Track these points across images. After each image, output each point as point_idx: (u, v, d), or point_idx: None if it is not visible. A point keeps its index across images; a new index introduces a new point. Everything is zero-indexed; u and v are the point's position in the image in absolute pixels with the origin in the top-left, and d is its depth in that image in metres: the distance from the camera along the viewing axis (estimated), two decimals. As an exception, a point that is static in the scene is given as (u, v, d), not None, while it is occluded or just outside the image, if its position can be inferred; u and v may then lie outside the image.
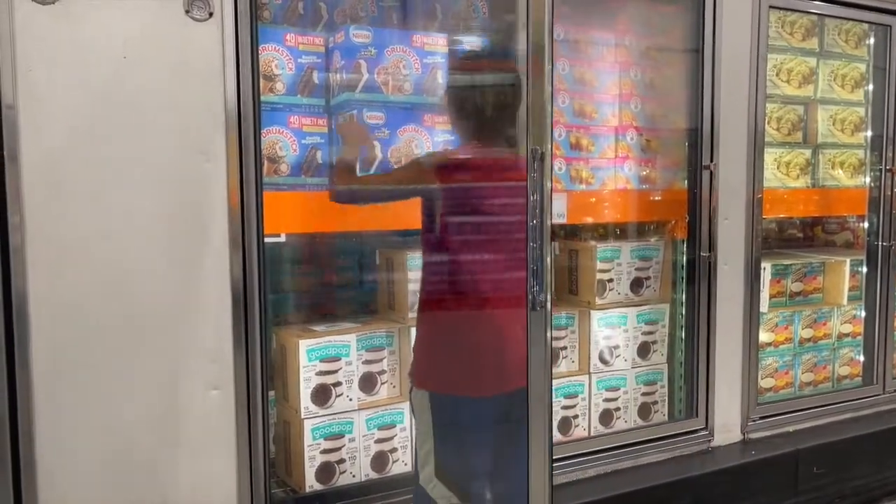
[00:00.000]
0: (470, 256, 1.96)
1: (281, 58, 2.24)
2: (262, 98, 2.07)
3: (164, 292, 1.78)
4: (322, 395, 2.28)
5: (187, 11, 1.74)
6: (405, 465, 2.42)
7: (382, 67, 2.32)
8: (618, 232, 3.04)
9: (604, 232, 3.05)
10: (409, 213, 2.30)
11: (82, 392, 1.72)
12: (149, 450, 1.80)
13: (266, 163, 2.18)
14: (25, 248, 1.64)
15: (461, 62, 2.31)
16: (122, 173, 1.72)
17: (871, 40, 3.40)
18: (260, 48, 2.06)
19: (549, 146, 1.86)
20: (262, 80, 2.14)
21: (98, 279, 1.72)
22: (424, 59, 2.37)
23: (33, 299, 1.65)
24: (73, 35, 1.65)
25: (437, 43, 2.39)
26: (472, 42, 2.56)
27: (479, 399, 1.97)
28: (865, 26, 3.35)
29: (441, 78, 2.39)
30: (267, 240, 1.96)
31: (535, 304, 1.83)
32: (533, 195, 1.83)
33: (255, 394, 1.92)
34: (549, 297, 1.85)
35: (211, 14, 1.76)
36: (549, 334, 1.86)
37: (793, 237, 3.92)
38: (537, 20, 1.83)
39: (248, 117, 1.83)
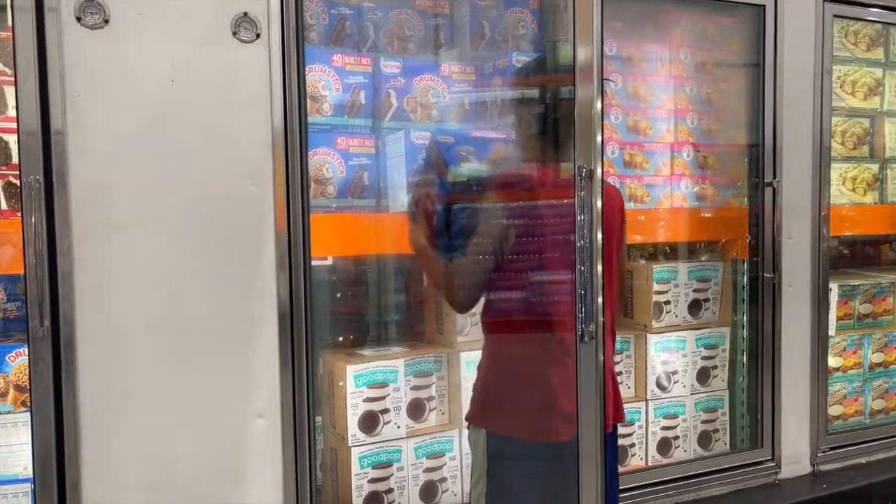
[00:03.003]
0: (541, 288, 1.86)
1: (328, 79, 2.22)
2: (310, 119, 2.05)
3: (210, 317, 1.75)
4: (370, 422, 2.22)
5: (234, 33, 1.72)
6: (454, 495, 2.34)
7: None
8: (668, 251, 2.94)
9: (654, 251, 2.95)
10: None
11: (128, 420, 1.70)
12: (194, 478, 1.77)
13: (313, 185, 2.15)
14: (74, 274, 1.62)
15: (522, 78, 2.20)
16: (169, 197, 1.70)
17: (942, 49, 3.23)
18: (307, 69, 2.03)
19: (599, 163, 1.78)
20: (308, 101, 2.12)
21: (144, 305, 1.69)
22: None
23: (80, 325, 1.63)
24: (121, 59, 1.64)
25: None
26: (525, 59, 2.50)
27: (543, 445, 1.85)
28: (935, 34, 3.19)
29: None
30: (314, 262, 1.92)
31: (584, 335, 1.73)
32: (581, 215, 1.74)
33: (301, 421, 1.87)
34: (599, 326, 1.75)
35: (258, 35, 1.74)
36: (600, 365, 1.76)
37: (857, 256, 3.73)
38: (585, 36, 1.78)
39: (295, 139, 1.80)
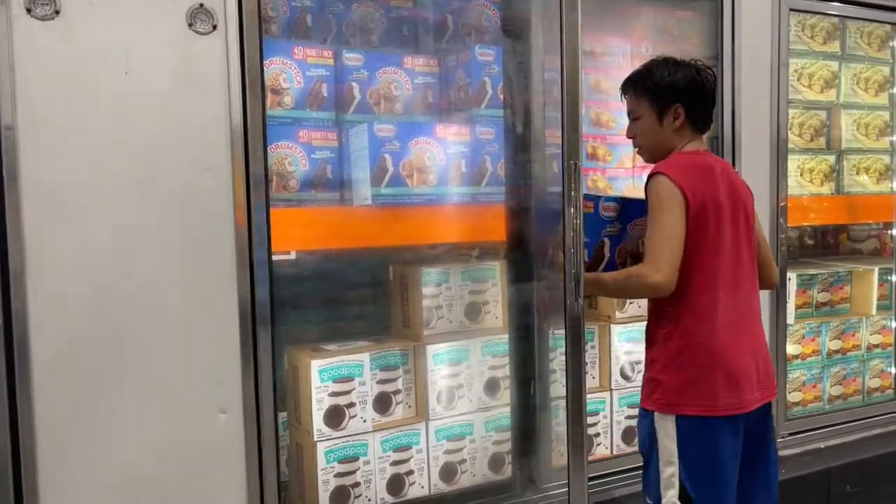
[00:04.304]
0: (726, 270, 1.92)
1: (289, 71, 2.19)
2: (271, 112, 2.03)
3: (168, 314, 1.73)
4: (335, 416, 2.21)
5: (190, 25, 1.69)
6: (422, 487, 2.35)
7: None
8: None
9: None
10: (426, 227, 2.25)
11: (86, 420, 1.67)
12: (154, 478, 1.75)
13: (275, 178, 2.13)
14: (26, 272, 1.59)
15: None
16: (124, 192, 1.67)
17: (895, 42, 3.31)
18: (267, 61, 2.01)
19: (582, 159, 1.90)
20: (269, 93, 2.10)
21: (100, 302, 1.67)
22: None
23: (34, 325, 1.60)
24: (74, 51, 1.61)
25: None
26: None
27: (737, 417, 1.90)
28: (888, 28, 3.26)
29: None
30: (277, 257, 1.91)
31: (575, 306, 1.83)
32: (570, 207, 1.83)
33: (266, 417, 1.86)
34: (584, 304, 1.91)
35: (215, 27, 1.72)
36: (584, 333, 1.90)
37: (816, 245, 3.81)
38: (572, 45, 1.85)
39: (255, 132, 1.78)
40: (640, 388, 2.70)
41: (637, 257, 2.05)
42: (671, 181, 1.85)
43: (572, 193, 1.81)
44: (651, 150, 2.04)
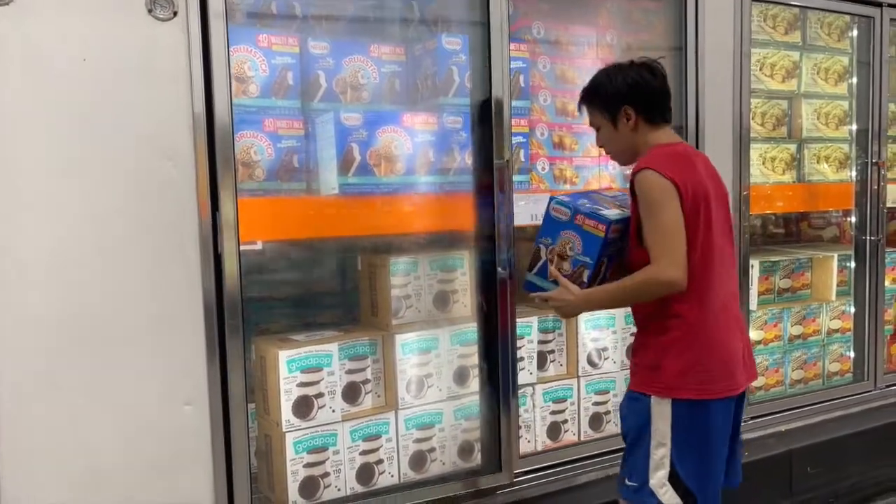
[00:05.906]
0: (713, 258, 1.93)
1: (254, 59, 2.17)
2: (235, 101, 2.00)
3: (131, 305, 1.71)
4: (304, 406, 2.21)
5: (150, 11, 1.66)
6: (391, 476, 2.36)
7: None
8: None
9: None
10: (394, 217, 2.25)
11: (48, 412, 1.65)
12: (119, 470, 1.73)
13: (240, 168, 2.10)
14: (-17, 261, 1.56)
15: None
16: (84, 181, 1.64)
17: (854, 33, 3.38)
18: (231, 49, 1.99)
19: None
20: (234, 82, 2.07)
21: (61, 294, 1.64)
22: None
23: (-7, 314, 1.57)
24: (28, 37, 1.57)
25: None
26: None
27: (730, 399, 1.95)
28: (848, 18, 3.33)
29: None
30: (243, 247, 1.89)
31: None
32: (501, 195, 2.05)
33: (235, 408, 1.85)
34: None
35: (175, 13, 1.69)
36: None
37: (779, 233, 3.88)
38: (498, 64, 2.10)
39: (220, 121, 1.76)
40: (607, 375, 2.76)
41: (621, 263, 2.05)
42: (660, 175, 1.85)
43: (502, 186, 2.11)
44: (620, 155, 2.07)
